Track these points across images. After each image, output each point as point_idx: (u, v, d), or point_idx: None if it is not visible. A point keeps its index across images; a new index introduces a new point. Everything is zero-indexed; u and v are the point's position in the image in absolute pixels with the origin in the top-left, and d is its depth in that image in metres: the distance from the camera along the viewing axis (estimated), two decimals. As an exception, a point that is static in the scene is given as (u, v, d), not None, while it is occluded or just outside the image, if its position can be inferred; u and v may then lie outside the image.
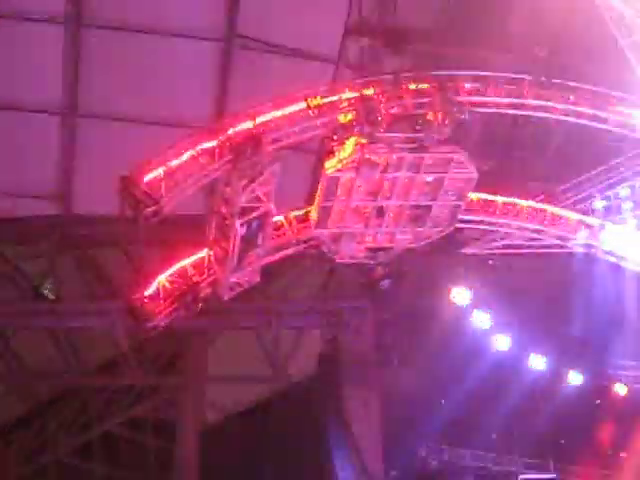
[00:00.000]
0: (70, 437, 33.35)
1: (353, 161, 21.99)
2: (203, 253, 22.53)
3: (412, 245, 23.76)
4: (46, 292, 31.01)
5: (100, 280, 29.99)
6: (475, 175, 22.64)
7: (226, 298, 22.92)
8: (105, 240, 28.96)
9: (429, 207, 22.97)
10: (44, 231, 29.64)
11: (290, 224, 23.21)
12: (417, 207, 22.97)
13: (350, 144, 22.04)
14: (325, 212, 22.76)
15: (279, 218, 22.96)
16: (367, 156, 21.96)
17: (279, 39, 27.48)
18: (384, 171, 22.21)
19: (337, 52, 27.57)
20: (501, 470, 32.10)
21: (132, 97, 27.69)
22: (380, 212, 22.87)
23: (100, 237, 29.24)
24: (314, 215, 22.92)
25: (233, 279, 22.58)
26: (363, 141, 21.93)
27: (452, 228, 23.63)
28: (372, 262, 24.24)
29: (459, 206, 23.24)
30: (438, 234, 23.64)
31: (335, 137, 22.20)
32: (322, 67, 27.52)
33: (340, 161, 22.08)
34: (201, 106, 27.68)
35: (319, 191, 22.61)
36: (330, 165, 22.17)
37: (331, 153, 22.24)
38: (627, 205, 27.39)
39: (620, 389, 30.79)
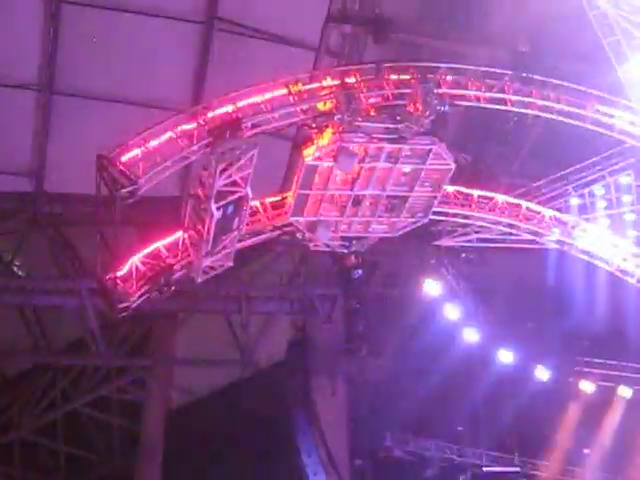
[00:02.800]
0: (35, 415, 33.23)
1: (331, 150, 21.91)
2: (177, 235, 22.39)
3: (387, 235, 23.77)
4: (16, 269, 30.80)
5: (72, 259, 29.80)
6: (452, 167, 22.65)
7: (199, 281, 22.80)
8: (78, 219, 28.75)
9: (405, 197, 22.95)
10: (17, 208, 29.43)
11: (266, 210, 23.13)
12: (393, 197, 22.95)
13: (329, 132, 21.96)
14: (302, 200, 22.68)
15: (255, 203, 22.87)
16: (345, 145, 21.86)
17: (260, 24, 27.33)
18: (362, 160, 22.15)
19: (319, 39, 27.43)
20: (465, 462, 32.22)
21: (110, 76, 27.48)
22: (356, 201, 22.82)
23: (73, 216, 29.05)
24: (290, 202, 22.84)
25: (207, 263, 22.46)
26: (342, 129, 21.83)
27: (427, 219, 23.64)
28: (346, 251, 24.20)
29: (435, 197, 23.25)
30: (413, 225, 23.65)
31: (314, 125, 22.13)
32: (303, 53, 27.40)
33: (319, 149, 21.99)
34: (180, 88, 27.55)
35: (296, 179, 22.52)
36: (309, 153, 22.07)
37: (310, 141, 22.14)
38: (601, 204, 27.65)
39: (586, 386, 30.96)
